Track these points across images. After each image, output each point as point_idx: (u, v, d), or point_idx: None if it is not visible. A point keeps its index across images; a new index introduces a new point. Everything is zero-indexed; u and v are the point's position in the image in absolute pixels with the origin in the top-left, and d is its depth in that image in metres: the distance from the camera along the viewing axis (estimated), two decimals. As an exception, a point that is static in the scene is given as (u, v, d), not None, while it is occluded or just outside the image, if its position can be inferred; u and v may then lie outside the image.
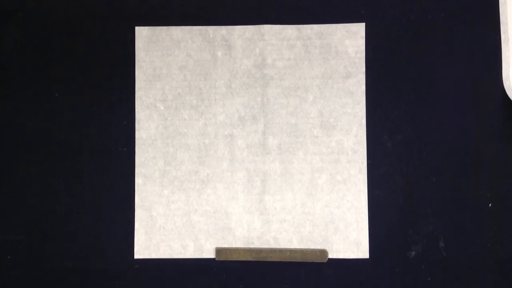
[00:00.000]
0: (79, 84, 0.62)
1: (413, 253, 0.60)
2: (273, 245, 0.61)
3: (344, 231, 0.60)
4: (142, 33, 0.63)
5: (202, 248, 0.61)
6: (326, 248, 0.60)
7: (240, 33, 0.62)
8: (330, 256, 0.60)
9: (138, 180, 0.62)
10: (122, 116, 0.62)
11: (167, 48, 0.63)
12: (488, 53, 0.61)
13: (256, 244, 0.61)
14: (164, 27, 0.62)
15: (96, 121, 0.62)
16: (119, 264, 0.61)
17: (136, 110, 0.62)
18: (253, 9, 0.62)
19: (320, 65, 0.62)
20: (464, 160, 0.60)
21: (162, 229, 0.61)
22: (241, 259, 0.60)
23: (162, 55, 0.62)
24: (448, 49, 0.61)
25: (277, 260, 0.60)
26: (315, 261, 0.60)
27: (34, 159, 0.62)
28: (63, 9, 0.63)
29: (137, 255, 0.61)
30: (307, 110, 0.61)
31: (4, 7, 0.63)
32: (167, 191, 0.61)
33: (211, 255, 0.61)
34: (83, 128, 0.62)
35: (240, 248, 0.61)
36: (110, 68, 0.62)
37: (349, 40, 0.62)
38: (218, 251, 0.61)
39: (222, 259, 0.60)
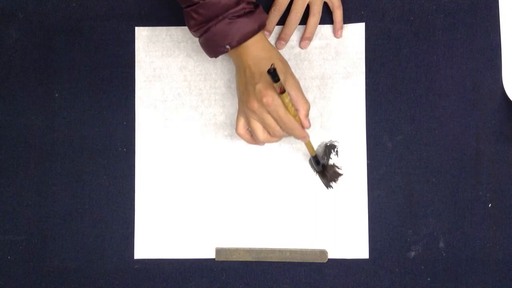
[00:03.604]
0: (79, 84, 0.62)
1: (413, 253, 0.60)
2: (273, 245, 0.61)
3: (344, 231, 0.60)
4: (142, 33, 0.63)
5: (202, 248, 0.61)
6: (326, 248, 0.60)
7: (240, 33, 0.62)
8: (330, 256, 0.60)
9: (138, 180, 0.62)
10: (122, 116, 0.62)
11: (167, 49, 0.63)
12: (488, 53, 0.61)
13: (256, 244, 0.61)
14: (164, 28, 0.62)
15: (96, 121, 0.62)
16: (119, 264, 0.61)
17: (136, 110, 0.62)
18: (253, 9, 0.62)
19: (320, 65, 0.62)
20: (464, 160, 0.60)
21: (162, 229, 0.61)
22: (241, 259, 0.60)
23: (162, 55, 0.62)
24: (448, 49, 0.61)
25: (277, 260, 0.60)
26: (315, 261, 0.60)
27: (34, 159, 0.62)
28: (63, 9, 0.63)
29: (137, 255, 0.61)
30: (307, 110, 0.61)
31: (4, 7, 0.63)
32: (167, 191, 0.61)
33: (211, 255, 0.61)
34: (83, 128, 0.62)
35: (240, 248, 0.61)
36: (110, 68, 0.62)
37: (349, 40, 0.62)
38: (218, 251, 0.61)
39: (222, 259, 0.60)
